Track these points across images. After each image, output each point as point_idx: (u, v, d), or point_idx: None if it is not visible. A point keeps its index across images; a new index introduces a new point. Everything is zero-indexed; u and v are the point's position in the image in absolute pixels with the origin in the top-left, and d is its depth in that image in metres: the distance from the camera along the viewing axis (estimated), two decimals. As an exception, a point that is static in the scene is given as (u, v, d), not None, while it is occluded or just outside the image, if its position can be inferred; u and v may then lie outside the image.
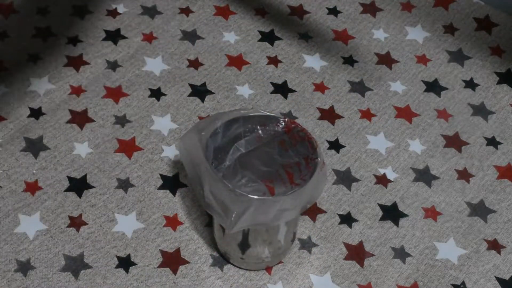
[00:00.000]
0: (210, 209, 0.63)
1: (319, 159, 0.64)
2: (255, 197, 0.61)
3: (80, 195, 0.74)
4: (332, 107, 0.83)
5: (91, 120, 0.80)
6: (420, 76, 0.87)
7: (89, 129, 0.79)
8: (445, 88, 0.86)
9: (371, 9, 0.94)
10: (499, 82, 0.88)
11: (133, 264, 0.70)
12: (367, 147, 0.80)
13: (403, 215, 0.75)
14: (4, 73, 0.83)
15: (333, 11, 0.93)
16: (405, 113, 0.84)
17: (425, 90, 0.86)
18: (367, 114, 0.83)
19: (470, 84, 0.87)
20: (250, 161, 0.69)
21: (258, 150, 0.68)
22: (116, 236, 0.71)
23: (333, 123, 0.82)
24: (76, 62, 0.85)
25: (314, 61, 0.88)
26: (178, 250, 0.71)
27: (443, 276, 0.71)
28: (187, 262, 0.70)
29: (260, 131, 0.68)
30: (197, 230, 0.72)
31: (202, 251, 0.71)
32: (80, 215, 0.72)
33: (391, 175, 0.78)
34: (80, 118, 0.80)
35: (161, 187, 0.75)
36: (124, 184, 0.75)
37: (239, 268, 0.70)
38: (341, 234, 0.73)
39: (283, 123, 0.67)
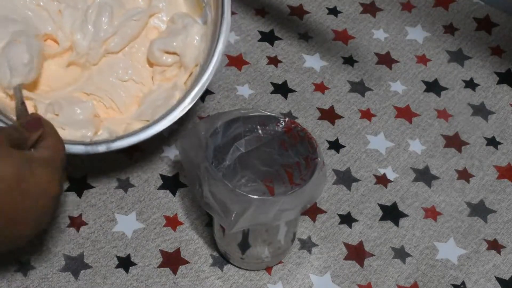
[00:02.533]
0: (209, 209, 0.63)
1: (319, 159, 0.64)
2: (255, 197, 0.61)
3: (80, 195, 0.74)
4: (332, 107, 0.83)
5: (91, 120, 0.80)
6: (420, 76, 0.87)
7: (89, 129, 0.79)
8: (445, 88, 0.86)
9: (371, 9, 0.94)
10: (499, 82, 0.88)
11: (133, 264, 0.70)
12: (367, 147, 0.80)
13: (403, 215, 0.75)
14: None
15: (333, 11, 0.93)
16: (405, 113, 0.84)
17: (425, 90, 0.86)
18: (367, 114, 0.83)
19: (470, 84, 0.87)
20: (250, 161, 0.69)
21: (258, 150, 0.68)
22: (116, 236, 0.71)
23: (333, 123, 0.82)
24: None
25: (314, 61, 0.88)
26: (178, 250, 0.71)
27: (443, 276, 0.71)
28: (187, 262, 0.70)
29: (260, 131, 0.68)
30: (197, 230, 0.72)
31: (202, 251, 0.71)
32: (80, 215, 0.72)
33: (391, 175, 0.78)
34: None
35: (161, 187, 0.75)
36: (124, 184, 0.75)
37: (239, 268, 0.70)
38: (341, 234, 0.73)
39: (283, 123, 0.67)
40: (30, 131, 0.59)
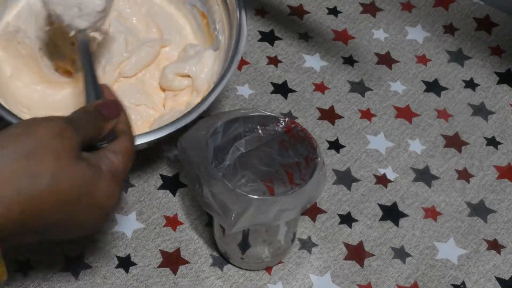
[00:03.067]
0: (209, 209, 0.63)
1: (319, 159, 0.64)
2: (255, 197, 0.61)
3: (80, 195, 0.74)
4: (332, 107, 0.83)
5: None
6: (420, 76, 0.87)
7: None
8: (445, 88, 0.86)
9: (371, 9, 0.94)
10: (499, 82, 0.88)
11: (133, 264, 0.70)
12: (367, 147, 0.80)
13: (403, 215, 0.75)
14: None
15: (333, 11, 0.93)
16: (405, 113, 0.84)
17: (425, 90, 0.86)
18: (367, 114, 0.83)
19: (470, 84, 0.87)
20: (250, 160, 0.69)
21: (258, 150, 0.68)
22: (116, 236, 0.71)
23: (333, 123, 0.82)
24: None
25: (314, 61, 0.88)
26: (178, 250, 0.71)
27: (443, 276, 0.71)
28: (187, 262, 0.70)
29: (260, 131, 0.68)
30: (197, 230, 0.72)
31: (202, 251, 0.71)
32: (80, 215, 0.72)
33: (391, 175, 0.78)
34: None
35: (161, 187, 0.75)
36: (124, 184, 0.75)
37: (239, 268, 0.70)
38: (341, 234, 0.73)
39: (283, 123, 0.67)
40: (107, 118, 0.53)
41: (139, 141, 0.66)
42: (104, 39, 0.76)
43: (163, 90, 0.78)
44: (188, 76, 0.75)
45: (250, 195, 0.61)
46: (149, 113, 0.76)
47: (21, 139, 0.49)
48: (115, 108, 0.55)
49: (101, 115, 0.54)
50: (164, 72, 0.76)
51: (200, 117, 0.68)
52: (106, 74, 0.76)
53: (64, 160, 0.50)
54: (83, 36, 0.66)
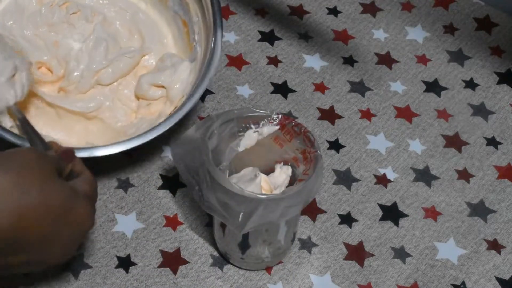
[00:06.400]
0: (213, 212, 0.63)
1: (318, 152, 0.64)
2: (264, 196, 0.61)
3: (80, 195, 0.74)
4: (332, 107, 0.83)
5: (91, 120, 0.80)
6: (420, 76, 0.88)
7: (89, 129, 0.79)
8: (445, 88, 0.86)
9: (371, 9, 0.94)
10: (499, 82, 0.88)
11: (133, 264, 0.70)
12: (367, 147, 0.80)
13: (403, 215, 0.75)
14: None
15: (333, 11, 0.93)
16: (405, 113, 0.84)
17: (425, 90, 0.86)
18: (367, 114, 0.83)
19: (470, 84, 0.87)
20: (246, 160, 0.69)
21: (253, 148, 0.68)
22: (116, 236, 0.71)
23: (333, 123, 0.82)
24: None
25: (314, 61, 0.88)
26: (178, 250, 0.71)
27: (443, 276, 0.71)
28: (187, 262, 0.70)
29: (254, 130, 0.67)
30: (197, 230, 0.72)
31: (202, 251, 0.71)
32: (80, 215, 0.72)
33: (391, 175, 0.78)
34: (80, 118, 0.80)
35: (161, 187, 0.75)
36: (124, 184, 0.75)
37: (239, 268, 0.70)
38: (341, 234, 0.73)
39: (277, 120, 0.67)
40: (66, 161, 0.60)
41: (113, 150, 0.69)
42: (86, 46, 0.78)
43: (138, 98, 0.79)
44: (163, 86, 0.77)
45: (258, 195, 0.61)
46: (121, 119, 0.78)
47: (10, 158, 0.54)
48: (71, 154, 0.61)
49: (61, 157, 0.60)
50: (140, 82, 0.78)
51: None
52: (83, 79, 0.77)
53: (49, 177, 0.55)
54: (15, 109, 0.69)
